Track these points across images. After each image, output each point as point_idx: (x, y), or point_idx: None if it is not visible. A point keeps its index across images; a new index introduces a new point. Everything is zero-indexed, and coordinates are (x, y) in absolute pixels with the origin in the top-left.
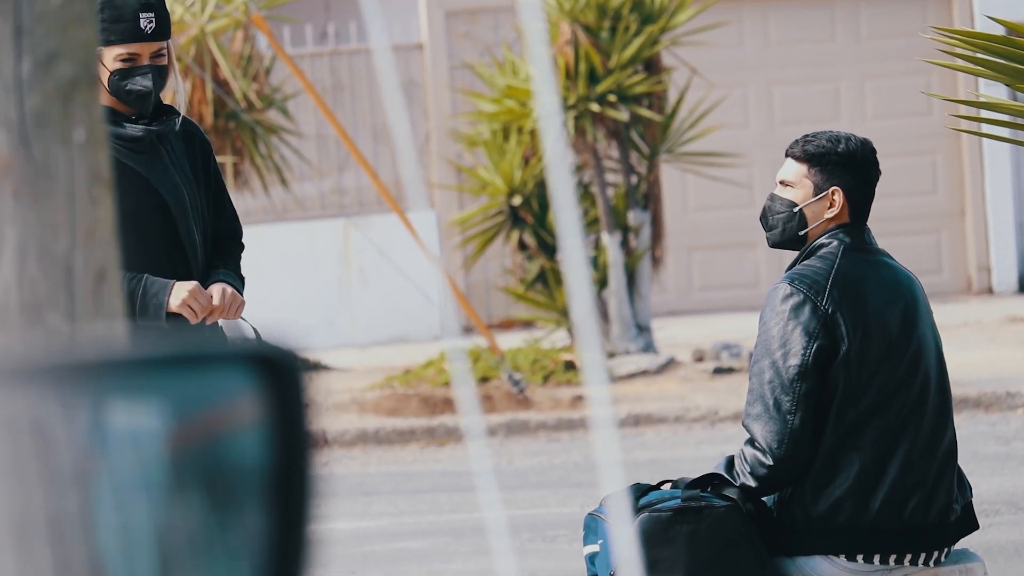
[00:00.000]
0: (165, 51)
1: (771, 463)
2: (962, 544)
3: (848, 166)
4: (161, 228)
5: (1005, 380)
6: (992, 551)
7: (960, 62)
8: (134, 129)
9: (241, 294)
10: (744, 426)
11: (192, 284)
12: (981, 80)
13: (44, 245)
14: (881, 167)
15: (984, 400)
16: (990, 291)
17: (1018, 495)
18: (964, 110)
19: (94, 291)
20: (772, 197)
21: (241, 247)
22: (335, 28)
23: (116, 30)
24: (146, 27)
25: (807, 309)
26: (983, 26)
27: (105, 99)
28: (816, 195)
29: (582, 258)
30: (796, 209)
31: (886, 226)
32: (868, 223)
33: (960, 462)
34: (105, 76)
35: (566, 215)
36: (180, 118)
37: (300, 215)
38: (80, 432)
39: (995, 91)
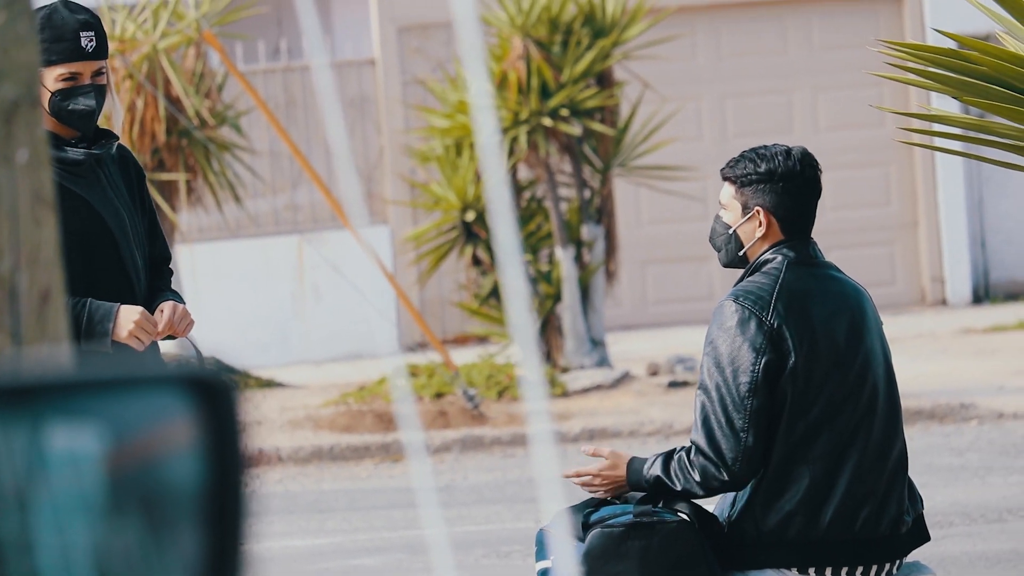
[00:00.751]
0: (104, 70)
1: (726, 478)
2: (916, 556)
3: (768, 183)
4: (104, 251)
5: (959, 392)
6: (946, 562)
7: (909, 75)
8: (75, 152)
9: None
10: (693, 441)
11: (138, 311)
12: (933, 93)
13: None
14: (835, 178)
15: (938, 412)
16: (944, 302)
17: (971, 506)
18: (916, 123)
19: (38, 312)
20: (715, 219)
21: (171, 271)
22: (287, 44)
23: (57, 50)
24: (87, 46)
25: (753, 325)
26: (934, 38)
27: (46, 122)
28: (744, 216)
29: (522, 276)
30: (731, 231)
31: (840, 238)
32: (820, 235)
33: (914, 474)
34: (46, 97)
35: (504, 233)
36: (117, 141)
37: (254, 231)
38: (19, 455)
39: (946, 103)
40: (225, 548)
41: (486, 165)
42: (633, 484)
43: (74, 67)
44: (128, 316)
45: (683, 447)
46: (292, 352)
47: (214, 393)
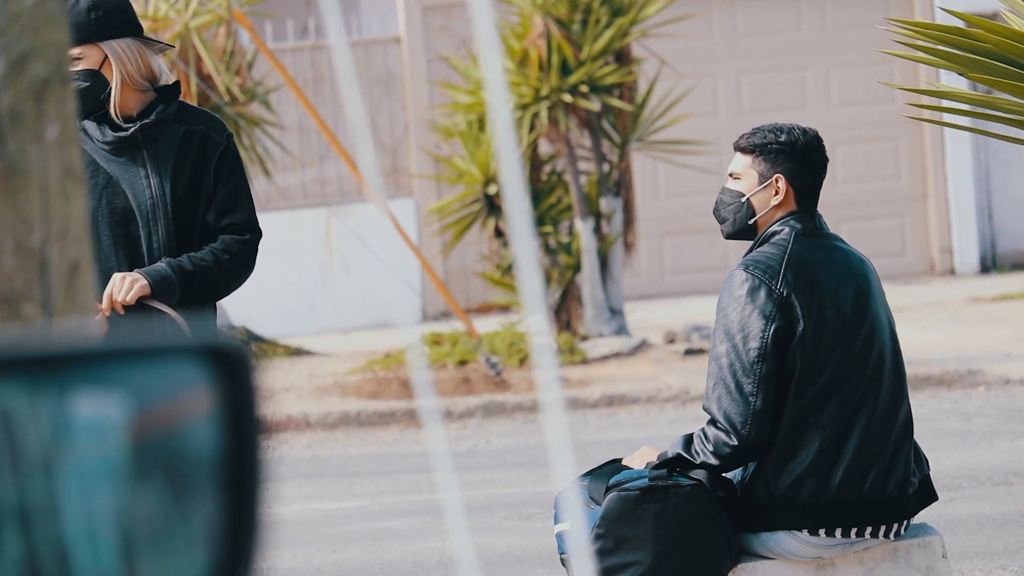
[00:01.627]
0: (84, 57)
1: (736, 443)
2: (924, 517)
3: (790, 153)
4: (122, 228)
5: (967, 359)
6: (953, 524)
7: (918, 53)
8: (106, 133)
9: (165, 285)
10: (705, 409)
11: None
12: (941, 70)
13: (19, 239)
14: (846, 153)
15: (946, 378)
16: (952, 272)
17: (979, 470)
18: (925, 99)
19: (67, 283)
20: (723, 190)
21: (224, 242)
22: (315, 23)
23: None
24: (73, 27)
25: (763, 293)
26: (942, 17)
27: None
28: (761, 184)
29: (534, 250)
30: (744, 199)
31: (851, 210)
32: (833, 207)
33: (923, 438)
34: None
35: (518, 208)
36: (163, 118)
37: (283, 205)
38: (46, 422)
39: (955, 80)
40: (243, 513)
41: (500, 142)
42: (660, 462)
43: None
44: None
45: (701, 428)
46: (321, 321)
47: (231, 362)
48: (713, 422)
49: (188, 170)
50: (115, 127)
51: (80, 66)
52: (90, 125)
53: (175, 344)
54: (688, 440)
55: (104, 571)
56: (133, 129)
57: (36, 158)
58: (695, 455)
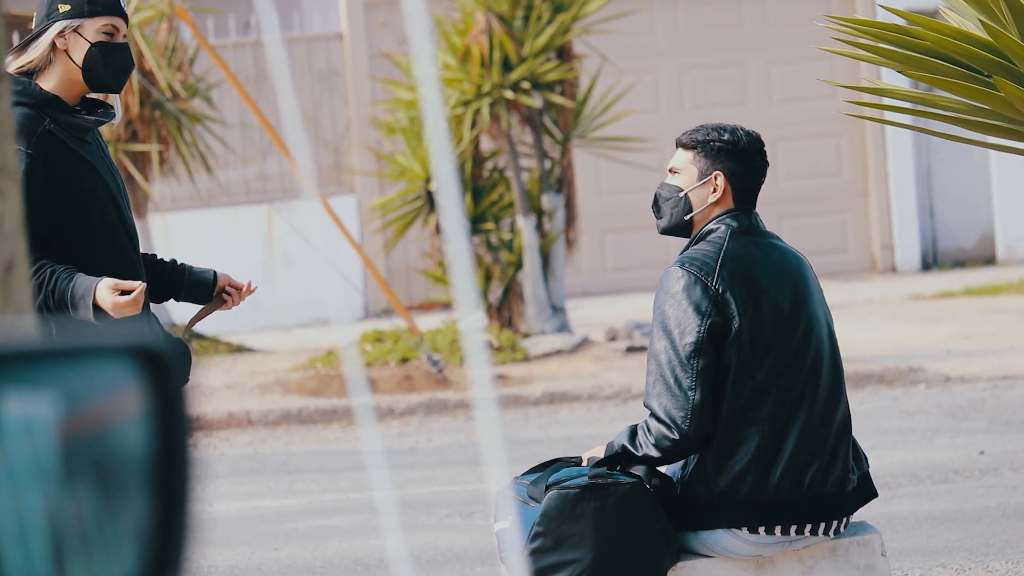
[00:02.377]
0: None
1: (676, 437)
2: (864, 516)
3: (731, 152)
4: (109, 213)
5: (907, 356)
6: (893, 522)
7: (858, 51)
8: (83, 119)
9: None
10: (646, 405)
11: (110, 284)
12: (883, 67)
13: None
14: (788, 150)
15: (887, 376)
16: (894, 270)
17: (918, 467)
18: (867, 96)
19: (3, 282)
20: (661, 185)
21: None
22: (257, 19)
23: (101, 3)
24: (124, 5)
25: (698, 289)
26: (883, 14)
27: (58, 82)
28: (700, 180)
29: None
30: (681, 194)
31: (793, 207)
32: (774, 204)
33: (863, 436)
34: (83, 49)
35: (452, 206)
36: (113, 110)
37: (225, 201)
38: None
39: (896, 78)
40: (173, 512)
41: (435, 139)
42: (604, 457)
43: (115, 21)
44: (105, 291)
45: (644, 421)
46: (262, 318)
47: (160, 361)
48: (654, 416)
49: None
50: (79, 114)
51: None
52: (57, 115)
53: (104, 344)
54: (633, 432)
55: (34, 571)
56: (116, 115)
57: None
58: (638, 447)
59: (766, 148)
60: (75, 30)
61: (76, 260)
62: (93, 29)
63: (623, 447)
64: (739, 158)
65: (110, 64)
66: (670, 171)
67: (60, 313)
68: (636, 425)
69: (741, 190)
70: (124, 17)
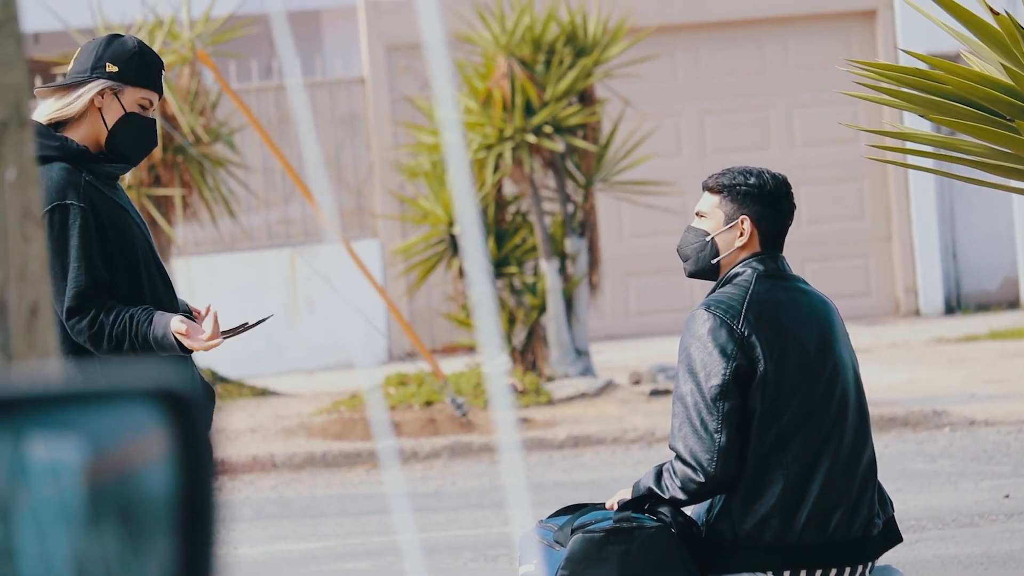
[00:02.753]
0: None
1: (702, 480)
2: (889, 559)
3: (758, 196)
4: (150, 257)
5: (931, 399)
6: (919, 566)
7: (880, 95)
8: (113, 168)
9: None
10: (671, 447)
11: (182, 320)
12: (905, 111)
13: None
14: (810, 193)
15: (911, 419)
16: (917, 313)
17: (944, 511)
18: (889, 140)
19: (27, 327)
20: (688, 228)
21: None
22: (279, 64)
23: (147, 75)
24: (162, 83)
25: (724, 332)
26: (905, 58)
27: (85, 135)
28: (726, 224)
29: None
30: (708, 238)
31: (816, 251)
32: (797, 248)
33: (888, 479)
34: (116, 115)
35: (475, 250)
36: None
37: (247, 245)
38: (2, 465)
39: (918, 121)
40: (197, 555)
41: (458, 183)
42: (631, 499)
43: (152, 96)
44: (178, 326)
45: (670, 462)
46: (286, 362)
47: (184, 405)
48: (680, 458)
49: None
50: (110, 164)
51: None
52: (90, 166)
53: (129, 387)
54: (659, 473)
55: None
56: (140, 160)
57: None
58: (664, 489)
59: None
60: (115, 93)
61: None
62: (132, 99)
63: (649, 489)
64: (765, 202)
65: (135, 138)
66: (697, 215)
67: (145, 354)
68: (662, 466)
69: (768, 234)
70: (161, 92)
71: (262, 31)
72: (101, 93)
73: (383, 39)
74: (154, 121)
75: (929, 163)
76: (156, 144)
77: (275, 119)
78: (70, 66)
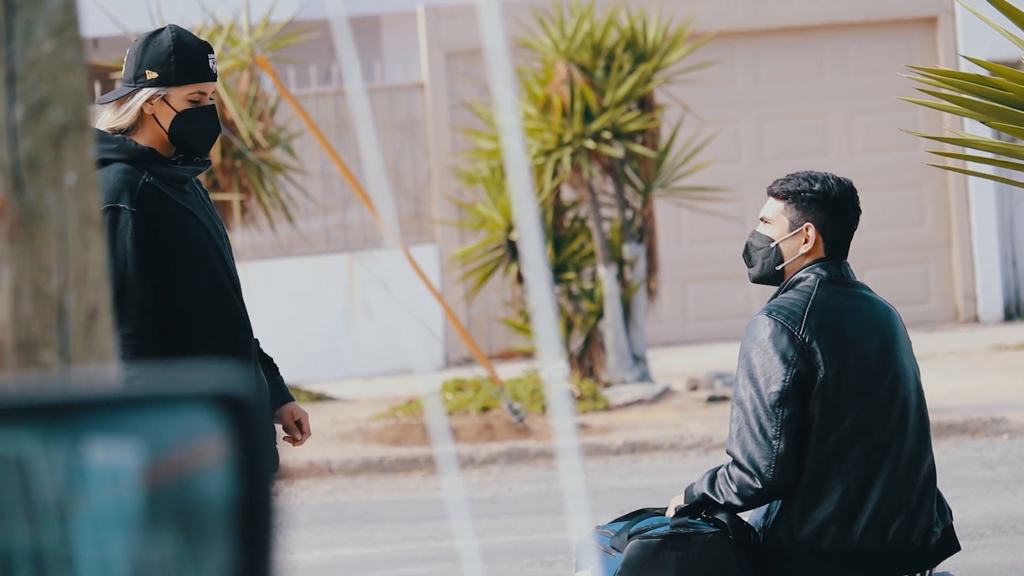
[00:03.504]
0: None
1: (759, 486)
2: (947, 566)
3: (822, 203)
4: (215, 265)
5: (991, 407)
6: (977, 573)
7: (941, 101)
8: (181, 169)
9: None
10: (729, 452)
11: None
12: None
13: (37, 285)
14: (870, 199)
15: (970, 426)
16: (976, 320)
17: (1002, 519)
18: (949, 147)
19: (86, 330)
20: (753, 234)
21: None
22: (338, 69)
23: (188, 71)
24: (213, 68)
25: (785, 338)
26: (966, 65)
27: (150, 139)
28: (791, 231)
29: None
30: (773, 244)
31: (875, 257)
32: (856, 254)
33: (946, 487)
34: (169, 117)
35: (534, 256)
36: (208, 160)
37: (306, 250)
38: (60, 470)
39: (979, 128)
40: (257, 560)
41: (518, 189)
42: (687, 505)
43: (202, 87)
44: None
45: (726, 467)
46: (343, 367)
47: (244, 408)
48: (737, 463)
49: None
50: (177, 166)
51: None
52: (155, 168)
53: (188, 391)
54: (713, 478)
55: None
56: (207, 164)
57: (54, 204)
58: (719, 495)
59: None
60: (162, 98)
61: (183, 310)
62: (180, 97)
63: (703, 495)
64: (830, 208)
65: (196, 131)
66: (761, 220)
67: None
68: (716, 470)
69: (832, 240)
70: (212, 78)
71: (321, 36)
72: (149, 100)
73: (442, 45)
74: (210, 107)
75: (989, 169)
76: (219, 129)
77: (334, 124)
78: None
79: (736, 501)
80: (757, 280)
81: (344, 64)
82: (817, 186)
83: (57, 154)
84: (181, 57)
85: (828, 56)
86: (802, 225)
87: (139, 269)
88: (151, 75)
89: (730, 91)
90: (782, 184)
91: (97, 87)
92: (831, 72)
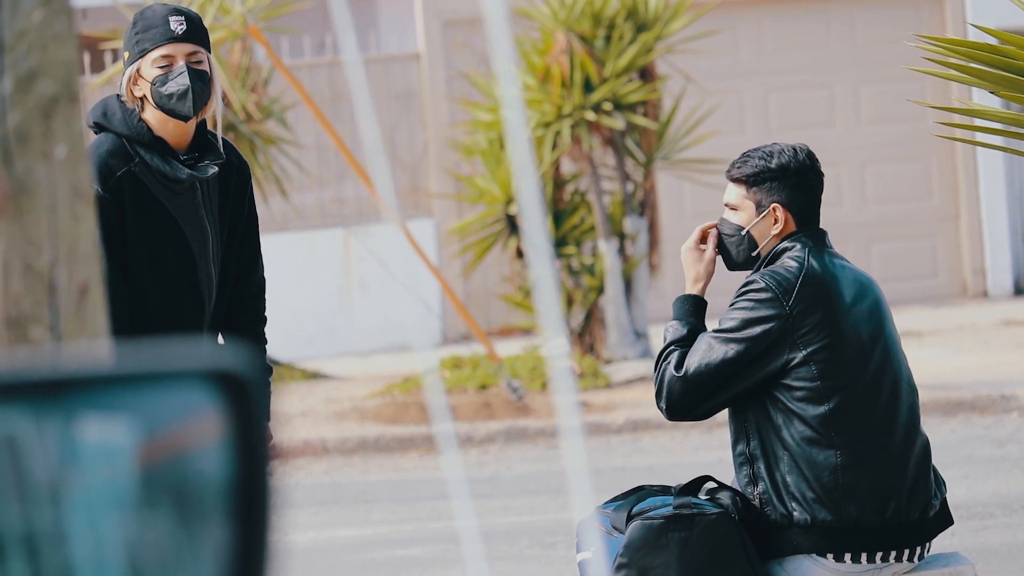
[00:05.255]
0: (204, 59)
1: (663, 407)
2: (956, 546)
3: (784, 179)
4: (179, 269)
5: (1000, 383)
6: (986, 553)
7: (948, 70)
8: (180, 170)
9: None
10: (687, 356)
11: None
12: (974, 87)
13: (27, 261)
14: (876, 172)
15: (979, 403)
16: (985, 295)
17: (1012, 497)
18: (957, 118)
19: (77, 306)
20: (722, 222)
21: (263, 300)
22: (333, 39)
23: (148, 37)
24: (176, 29)
25: (772, 306)
26: (974, 33)
27: (154, 122)
28: (759, 214)
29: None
30: (744, 232)
31: (882, 231)
32: (862, 228)
33: (955, 465)
34: (148, 90)
35: (535, 230)
36: (220, 161)
37: (300, 225)
38: (52, 448)
39: (988, 98)
40: (253, 540)
41: (518, 162)
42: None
43: (166, 49)
44: None
45: (682, 348)
46: (338, 344)
47: (240, 386)
48: (685, 367)
49: (230, 208)
50: (183, 163)
51: (200, 66)
52: (151, 158)
53: (183, 368)
54: (676, 344)
55: None
56: (213, 171)
57: (44, 178)
58: (665, 350)
59: (851, 169)
60: (138, 74)
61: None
62: (149, 66)
63: (666, 338)
64: (793, 183)
65: (169, 94)
66: (726, 206)
67: None
68: (685, 351)
69: (802, 213)
70: (175, 39)
71: (315, 6)
72: (134, 82)
73: (439, 14)
74: (180, 68)
75: (999, 141)
76: (187, 82)
77: (328, 96)
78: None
79: (658, 368)
80: (735, 268)
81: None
82: (775, 162)
83: (47, 126)
84: (142, 27)
85: (834, 25)
86: (769, 206)
87: (125, 252)
88: (127, 56)
89: (733, 61)
90: (739, 167)
91: (87, 58)
92: (837, 41)
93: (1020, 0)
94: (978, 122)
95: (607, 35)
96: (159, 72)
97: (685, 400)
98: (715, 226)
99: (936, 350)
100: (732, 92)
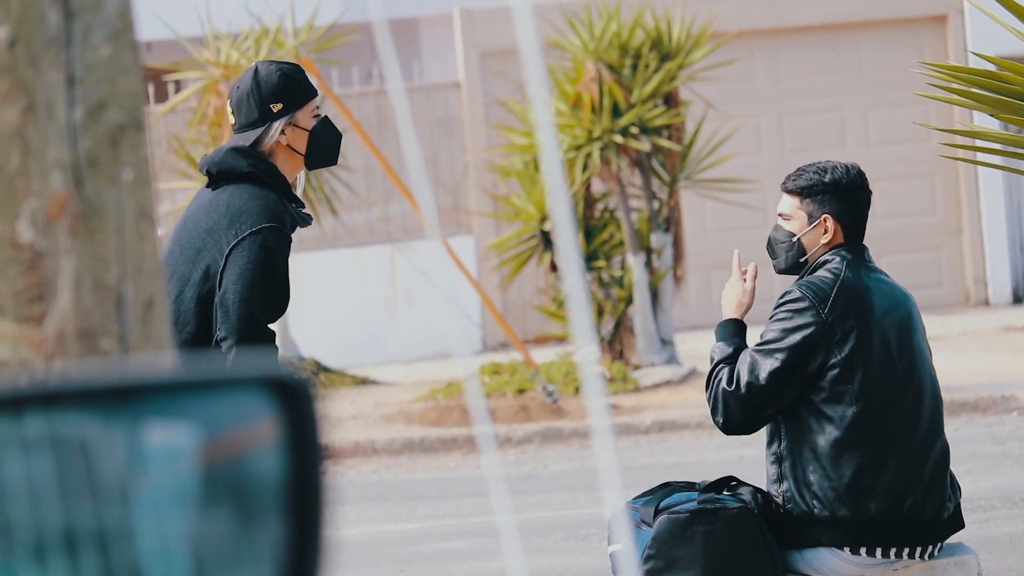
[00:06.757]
0: None
1: (720, 421)
2: (960, 537)
3: (835, 193)
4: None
5: (1000, 385)
6: (988, 544)
7: (951, 95)
8: (304, 217)
9: None
10: (736, 374)
11: None
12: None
13: (97, 277)
14: (885, 189)
15: (981, 404)
16: (987, 303)
17: (1012, 491)
18: (960, 139)
19: (143, 319)
20: (775, 228)
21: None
22: (379, 69)
23: (305, 89)
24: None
25: (810, 314)
26: (975, 60)
27: (285, 165)
28: (810, 224)
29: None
30: (795, 239)
31: (890, 244)
32: (872, 241)
33: (958, 462)
34: (302, 138)
35: (567, 246)
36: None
37: (350, 242)
38: (121, 451)
39: (988, 120)
40: (307, 536)
41: (552, 182)
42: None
43: (317, 100)
44: None
45: (730, 365)
46: (386, 352)
47: (294, 393)
48: (739, 381)
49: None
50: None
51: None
52: (289, 207)
53: (242, 376)
54: (722, 361)
55: None
56: (305, 220)
57: (112, 200)
58: (712, 377)
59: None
60: (292, 123)
61: None
62: (306, 116)
63: (713, 357)
64: (843, 197)
65: (330, 139)
66: (780, 216)
67: None
68: (734, 364)
69: (851, 226)
70: (316, 92)
71: (363, 39)
72: (283, 131)
73: (477, 45)
74: (326, 117)
75: (998, 160)
76: (340, 133)
77: (375, 122)
78: (232, 119)
79: (710, 387)
80: (782, 272)
81: (384, 64)
82: (828, 177)
83: (114, 153)
84: (293, 80)
85: (843, 53)
86: (820, 217)
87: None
88: (276, 107)
89: (751, 87)
90: (794, 180)
91: (151, 88)
92: (847, 69)
93: (1017, 30)
94: (979, 143)
95: (633, 64)
96: (314, 121)
97: (739, 413)
98: (754, 266)
99: (941, 355)
100: (750, 116)
